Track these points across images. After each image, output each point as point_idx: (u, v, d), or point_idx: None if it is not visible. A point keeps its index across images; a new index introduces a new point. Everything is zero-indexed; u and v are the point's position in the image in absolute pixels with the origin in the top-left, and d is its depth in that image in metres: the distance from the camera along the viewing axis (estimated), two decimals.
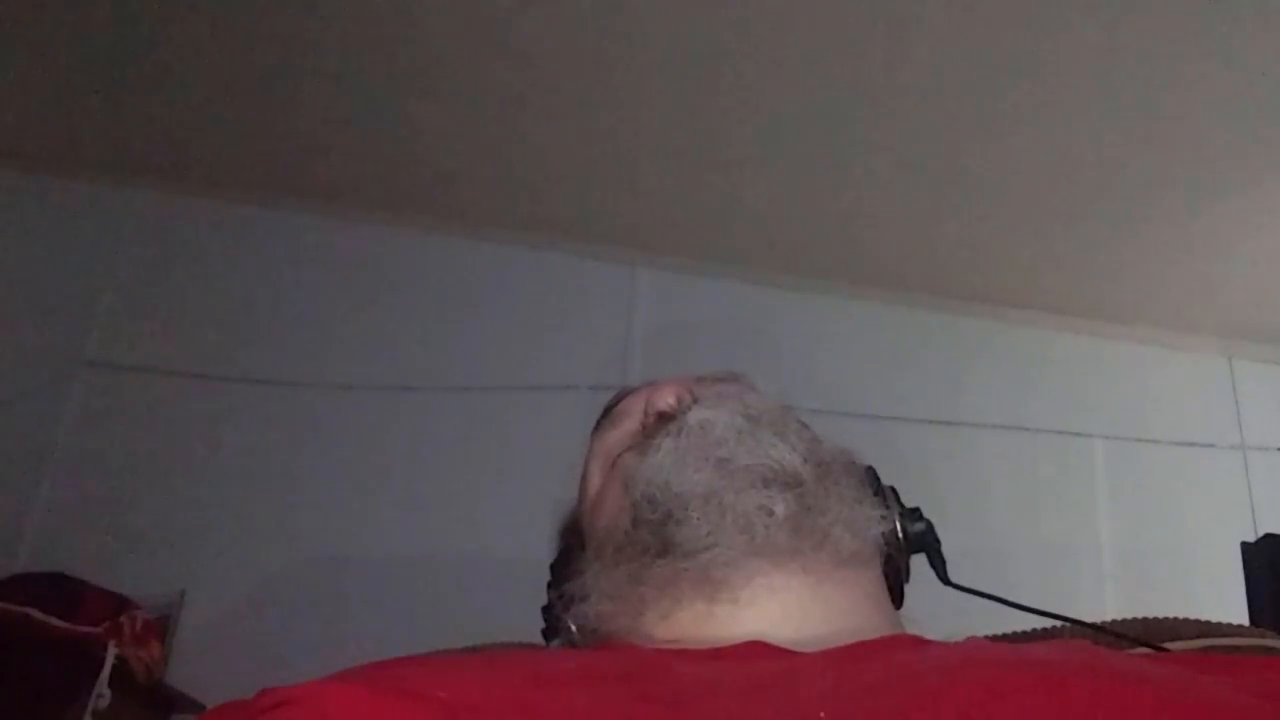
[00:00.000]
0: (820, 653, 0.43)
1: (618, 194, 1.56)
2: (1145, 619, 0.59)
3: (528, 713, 0.34)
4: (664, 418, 0.56)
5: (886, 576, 0.55)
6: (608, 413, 0.63)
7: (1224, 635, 0.56)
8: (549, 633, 0.61)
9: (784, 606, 0.48)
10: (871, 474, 0.59)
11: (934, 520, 0.58)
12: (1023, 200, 1.51)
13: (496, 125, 1.42)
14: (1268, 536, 1.22)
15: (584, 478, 0.60)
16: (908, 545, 0.57)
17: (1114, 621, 0.58)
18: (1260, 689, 0.34)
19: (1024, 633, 0.60)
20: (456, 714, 0.33)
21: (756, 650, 0.44)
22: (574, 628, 0.54)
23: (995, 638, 0.57)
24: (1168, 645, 0.54)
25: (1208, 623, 0.57)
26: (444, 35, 1.27)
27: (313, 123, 1.44)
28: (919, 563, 0.58)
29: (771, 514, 0.48)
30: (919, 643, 0.46)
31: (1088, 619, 0.57)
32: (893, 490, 0.59)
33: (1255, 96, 1.27)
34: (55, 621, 1.05)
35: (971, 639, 0.46)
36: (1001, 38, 1.21)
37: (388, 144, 1.47)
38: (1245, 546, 1.24)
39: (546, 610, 0.63)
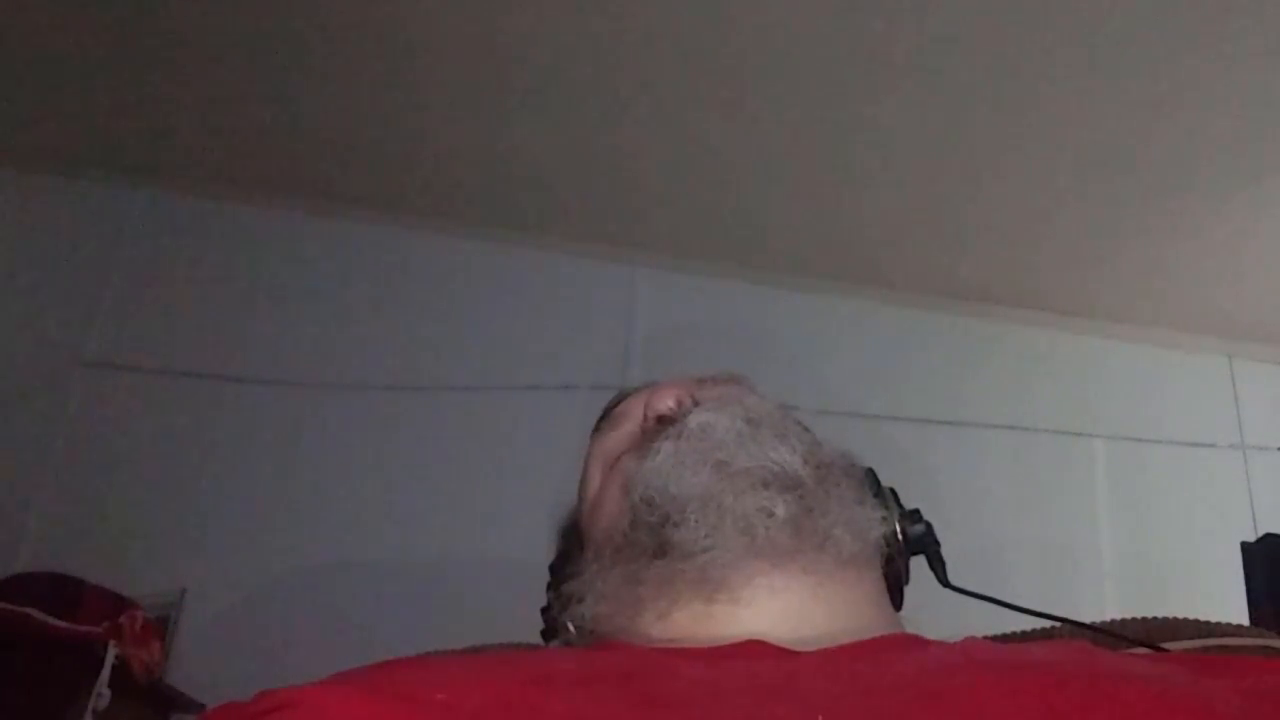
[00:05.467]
0: (819, 652, 0.43)
1: (617, 194, 1.56)
2: (1145, 619, 0.59)
3: (527, 715, 0.34)
4: (664, 421, 0.56)
5: (886, 578, 0.55)
6: (607, 414, 0.63)
7: (1224, 635, 0.56)
8: (548, 633, 0.61)
9: (784, 606, 0.48)
10: (871, 476, 0.59)
11: (934, 521, 0.58)
12: (1023, 200, 1.51)
13: (496, 125, 1.42)
14: (1268, 536, 1.22)
15: (583, 479, 0.60)
16: (907, 547, 0.57)
17: (1113, 622, 0.58)
18: (1258, 691, 0.34)
19: (1022, 633, 0.60)
20: (456, 717, 0.33)
21: (756, 650, 0.44)
22: (572, 628, 0.54)
23: (993, 638, 0.57)
24: (1167, 645, 0.54)
25: (1207, 623, 0.58)
26: (444, 35, 1.27)
27: (313, 123, 1.44)
28: (919, 564, 0.58)
29: (772, 515, 0.48)
30: (918, 643, 0.46)
31: (1088, 619, 0.57)
32: (892, 492, 0.59)
33: (1256, 96, 1.27)
34: (55, 621, 1.05)
35: (970, 639, 0.46)
36: (1002, 37, 1.21)
37: (388, 144, 1.48)
38: (1245, 546, 1.24)
39: (545, 611, 0.63)
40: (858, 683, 0.37)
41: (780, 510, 0.48)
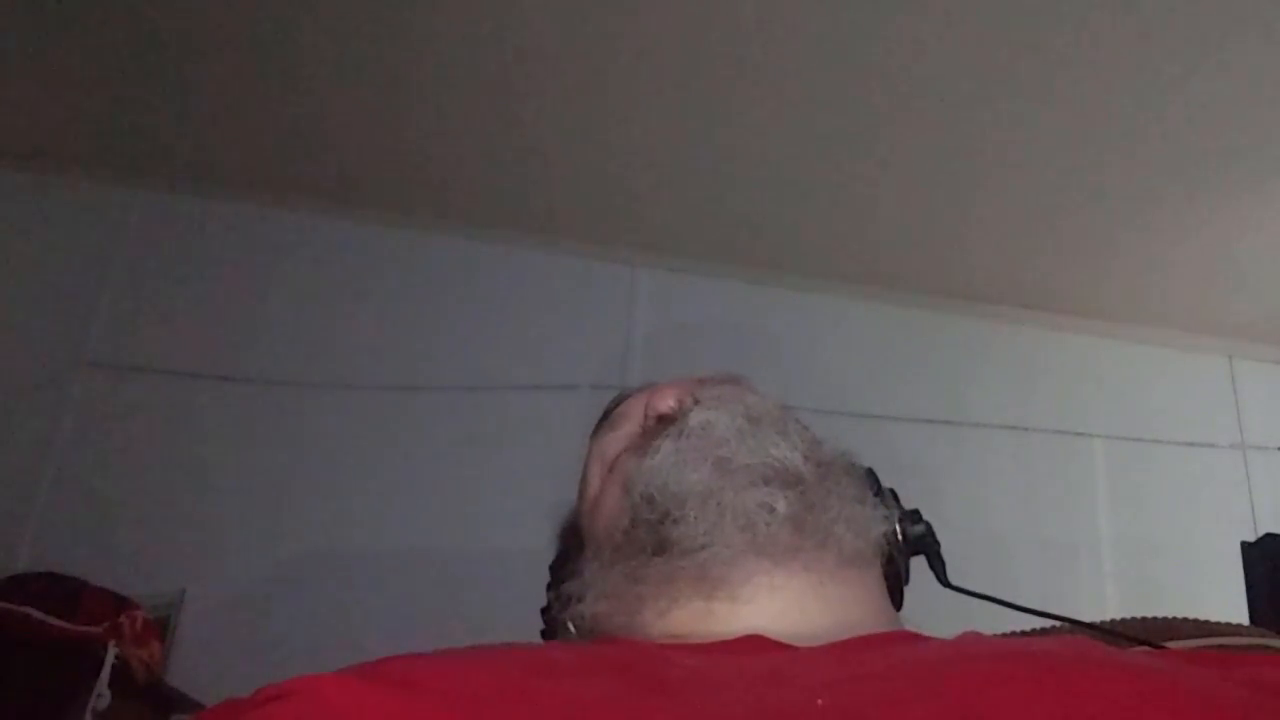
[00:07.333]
0: (819, 646, 0.43)
1: (618, 194, 1.56)
2: (1145, 619, 0.59)
3: (526, 703, 0.34)
4: (664, 420, 0.56)
5: (886, 578, 0.55)
6: (607, 415, 0.63)
7: (1223, 635, 0.56)
8: (547, 634, 0.61)
9: (784, 604, 0.48)
10: (872, 476, 0.59)
11: (934, 520, 0.58)
12: (1023, 200, 1.51)
13: (497, 125, 1.42)
14: (1268, 536, 1.22)
15: (583, 479, 0.60)
16: (907, 547, 0.57)
17: (1114, 621, 0.58)
18: (1258, 682, 0.34)
19: (1022, 633, 0.60)
20: (454, 705, 0.33)
21: (755, 644, 0.44)
22: (572, 628, 0.54)
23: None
24: (1167, 644, 0.54)
25: (1207, 622, 0.58)
26: (444, 35, 1.27)
27: (313, 122, 1.44)
28: (919, 565, 0.58)
29: (773, 511, 0.48)
30: (917, 638, 0.46)
31: (1088, 619, 0.57)
32: (892, 492, 0.59)
33: (1256, 96, 1.27)
34: (55, 621, 1.05)
35: (969, 633, 0.46)
36: (1003, 37, 1.21)
37: (388, 144, 1.47)
38: (1245, 546, 1.24)
39: (545, 611, 0.63)
40: (856, 671, 0.37)
41: (781, 506, 0.48)
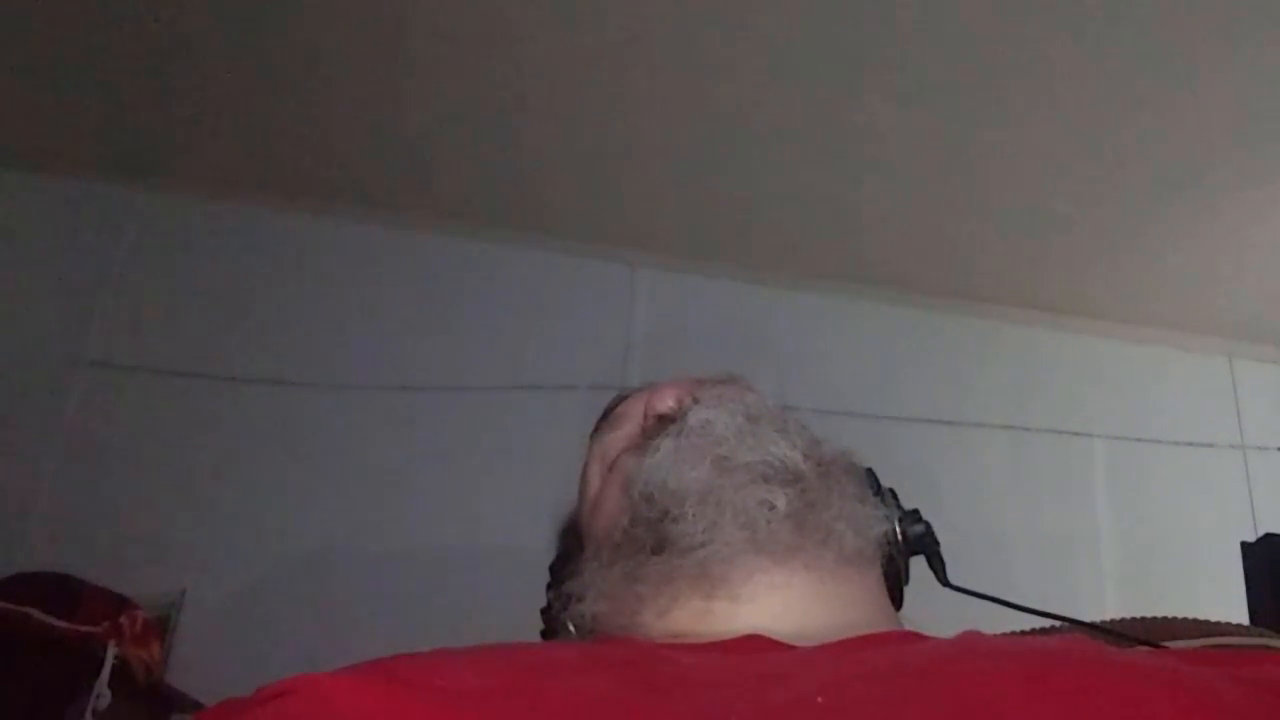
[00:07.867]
0: (819, 645, 0.43)
1: (618, 194, 1.56)
2: (1145, 619, 0.59)
3: (526, 699, 0.34)
4: (664, 419, 0.56)
5: (886, 578, 0.55)
6: (607, 415, 0.63)
7: (1224, 635, 0.56)
8: (547, 634, 0.61)
9: (784, 603, 0.48)
10: (871, 476, 0.59)
11: (934, 520, 0.58)
12: (1023, 200, 1.51)
13: (496, 125, 1.42)
14: (1268, 536, 1.22)
15: (583, 479, 0.60)
16: (907, 547, 0.57)
17: (1113, 621, 0.58)
18: (1258, 679, 0.34)
19: (1023, 632, 0.60)
20: (456, 701, 0.33)
21: (755, 643, 0.44)
22: (572, 627, 0.54)
23: None
24: (1167, 644, 0.54)
25: (1207, 622, 0.58)
26: (443, 35, 1.27)
27: (313, 123, 1.44)
28: (919, 565, 0.58)
29: (773, 508, 0.48)
30: (917, 637, 0.46)
31: (1088, 619, 0.57)
32: (892, 492, 0.59)
33: (1257, 96, 1.27)
34: (55, 621, 1.05)
35: (969, 632, 0.46)
36: (1003, 36, 1.21)
37: (388, 144, 1.48)
38: (1245, 546, 1.24)
39: (545, 611, 0.63)
40: (857, 668, 0.37)
41: (782, 503, 0.48)
